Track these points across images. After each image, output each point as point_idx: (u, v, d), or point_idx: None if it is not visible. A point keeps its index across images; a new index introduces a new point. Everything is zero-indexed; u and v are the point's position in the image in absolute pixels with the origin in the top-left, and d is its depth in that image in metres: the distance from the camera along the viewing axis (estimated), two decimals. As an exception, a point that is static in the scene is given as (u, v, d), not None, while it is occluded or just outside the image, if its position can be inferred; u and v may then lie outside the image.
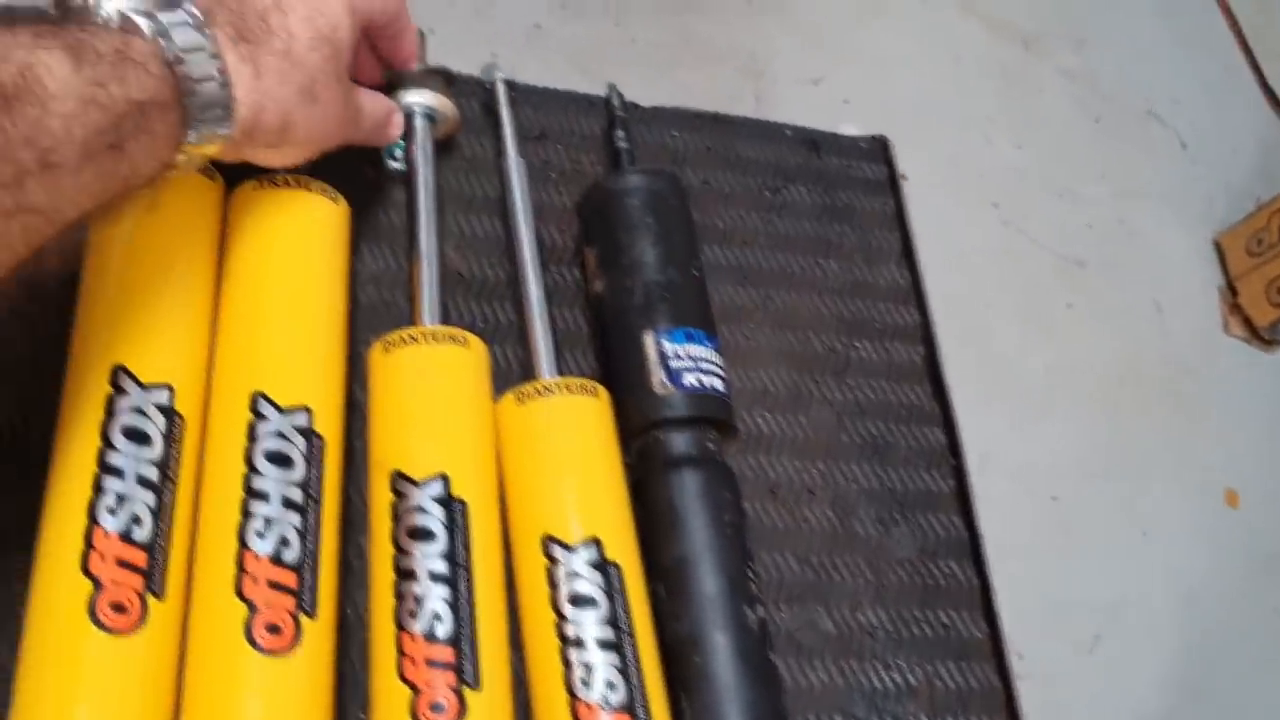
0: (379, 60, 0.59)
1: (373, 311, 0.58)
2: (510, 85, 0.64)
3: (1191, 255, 2.09)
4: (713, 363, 0.55)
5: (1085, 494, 1.77)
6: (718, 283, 0.63)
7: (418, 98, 0.60)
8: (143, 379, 0.46)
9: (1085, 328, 1.93)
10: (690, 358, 0.55)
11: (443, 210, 0.61)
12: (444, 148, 0.63)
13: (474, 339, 0.53)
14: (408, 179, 0.59)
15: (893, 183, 0.72)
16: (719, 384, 0.55)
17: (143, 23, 0.42)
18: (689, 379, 0.54)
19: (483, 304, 0.60)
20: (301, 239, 0.52)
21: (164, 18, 0.43)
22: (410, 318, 0.56)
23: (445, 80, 0.61)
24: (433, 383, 0.52)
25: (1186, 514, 1.82)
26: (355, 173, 0.61)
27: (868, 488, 0.61)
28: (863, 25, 2.07)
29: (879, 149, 0.73)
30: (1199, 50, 2.33)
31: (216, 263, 0.51)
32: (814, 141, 0.71)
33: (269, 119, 0.47)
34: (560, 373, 0.55)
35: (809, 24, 2.02)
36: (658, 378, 0.54)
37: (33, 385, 0.48)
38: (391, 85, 0.60)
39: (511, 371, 0.58)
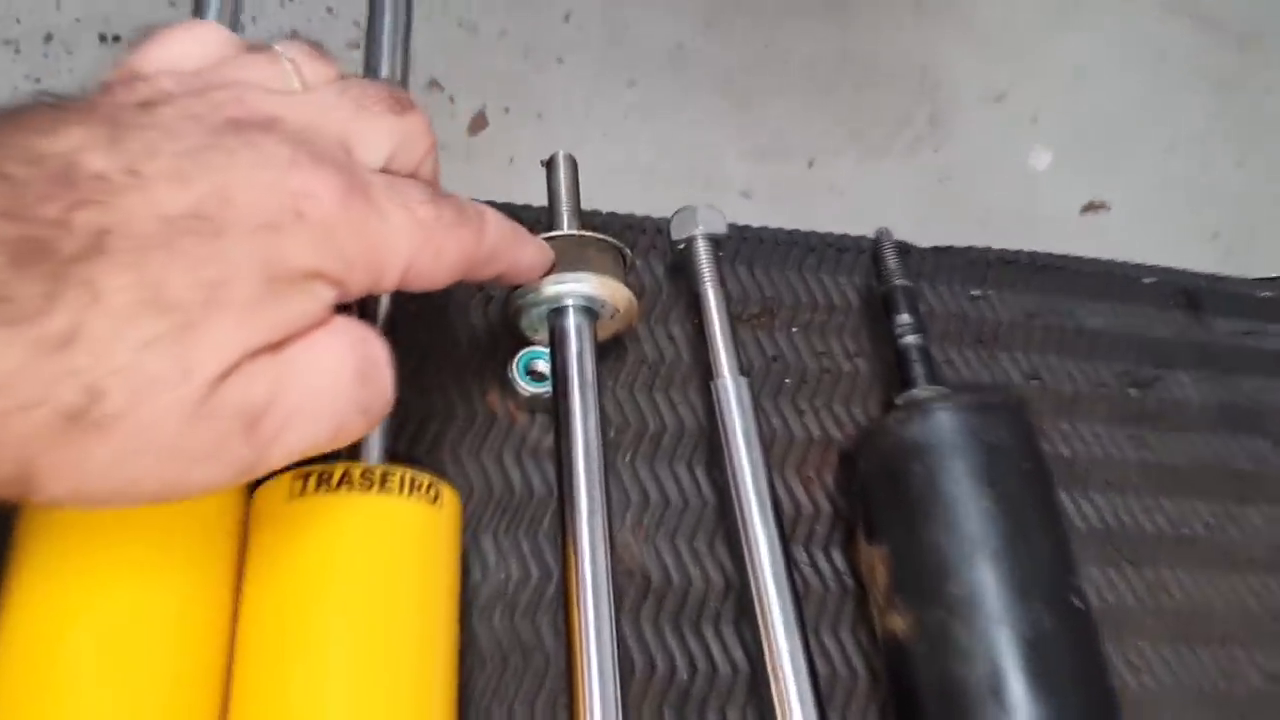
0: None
1: (503, 662, 0.34)
2: (715, 242, 0.38)
3: None
4: (1131, 798, 0.29)
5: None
6: (1072, 565, 0.37)
7: (572, 284, 0.35)
8: None
9: (1330, 382, 1.62)
10: (1094, 798, 0.29)
11: (609, 461, 0.36)
12: (607, 350, 0.38)
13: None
14: (554, 407, 0.35)
15: (1323, 358, 0.45)
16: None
17: None
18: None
19: (683, 631, 0.35)
20: (367, 596, 0.28)
21: None
22: (566, 674, 0.32)
23: (615, 255, 0.36)
24: None
25: None
26: (468, 403, 0.37)
27: None
28: (1050, 29, 1.79)
29: (1291, 299, 0.46)
30: None
31: (218, 631, 0.28)
32: (1187, 292, 0.44)
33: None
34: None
35: (987, 31, 1.75)
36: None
37: None
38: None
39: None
